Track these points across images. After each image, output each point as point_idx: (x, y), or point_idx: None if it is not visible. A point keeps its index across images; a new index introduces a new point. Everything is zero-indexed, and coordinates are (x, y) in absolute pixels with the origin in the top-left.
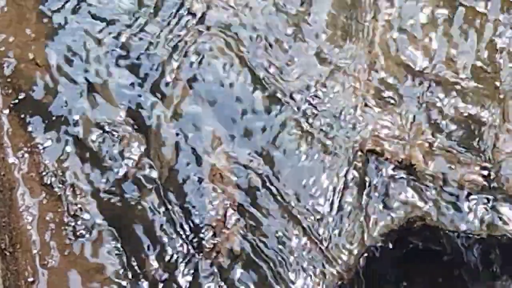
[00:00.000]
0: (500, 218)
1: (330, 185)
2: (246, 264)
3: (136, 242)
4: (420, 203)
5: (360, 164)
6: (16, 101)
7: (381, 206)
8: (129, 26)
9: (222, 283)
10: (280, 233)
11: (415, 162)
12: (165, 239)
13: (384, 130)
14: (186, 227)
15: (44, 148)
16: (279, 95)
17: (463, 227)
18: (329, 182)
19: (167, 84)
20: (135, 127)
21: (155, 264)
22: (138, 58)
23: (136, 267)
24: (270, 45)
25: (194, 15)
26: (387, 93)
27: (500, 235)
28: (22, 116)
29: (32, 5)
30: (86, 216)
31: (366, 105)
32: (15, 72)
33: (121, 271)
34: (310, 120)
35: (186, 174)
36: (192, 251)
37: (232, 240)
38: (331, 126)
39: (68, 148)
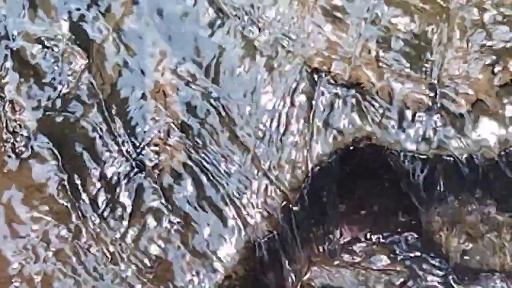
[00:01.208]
0: (446, 138)
1: (275, 103)
2: (189, 183)
3: (77, 160)
4: (366, 122)
5: (306, 82)
6: None
7: (326, 125)
8: None
9: (165, 202)
10: (224, 152)
11: (362, 81)
12: (107, 157)
13: (331, 47)
14: (128, 145)
15: None
16: (224, 9)
17: (409, 146)
18: (274, 100)
19: None
20: (77, 42)
21: (96, 183)
22: None
23: (77, 186)
24: None
25: None
26: (334, 10)
27: (446, 155)
28: None
29: None
30: (25, 133)
31: (313, 22)
32: None
33: (61, 190)
34: (256, 36)
35: (128, 91)
36: (134, 169)
37: (175, 158)
38: (277, 43)
39: (7, 64)
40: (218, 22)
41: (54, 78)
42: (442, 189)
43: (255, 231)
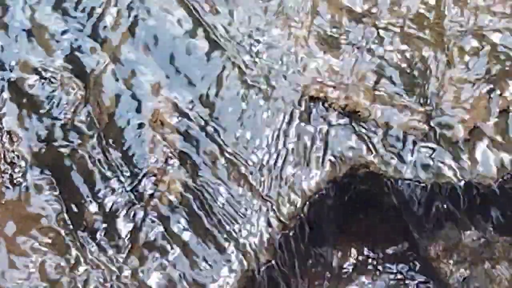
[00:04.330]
0: (444, 166)
1: (273, 132)
2: (187, 212)
3: (74, 190)
4: (364, 150)
5: (303, 111)
6: None
7: (324, 153)
8: None
9: (163, 232)
10: (221, 181)
11: (359, 109)
12: (105, 188)
13: (327, 76)
14: (126, 175)
15: None
16: (220, 40)
17: (407, 174)
18: (272, 129)
19: (106, 29)
20: (74, 72)
21: (94, 213)
22: (76, 2)
23: (74, 216)
24: None
25: None
26: (330, 39)
27: (444, 183)
28: None
29: None
30: (23, 163)
31: (308, 51)
32: None
33: (59, 220)
34: (251, 66)
35: (126, 121)
36: (132, 199)
37: (172, 188)
38: (273, 72)
39: (5, 94)
40: (214, 52)
41: (51, 109)
42: (440, 215)
43: (254, 260)
